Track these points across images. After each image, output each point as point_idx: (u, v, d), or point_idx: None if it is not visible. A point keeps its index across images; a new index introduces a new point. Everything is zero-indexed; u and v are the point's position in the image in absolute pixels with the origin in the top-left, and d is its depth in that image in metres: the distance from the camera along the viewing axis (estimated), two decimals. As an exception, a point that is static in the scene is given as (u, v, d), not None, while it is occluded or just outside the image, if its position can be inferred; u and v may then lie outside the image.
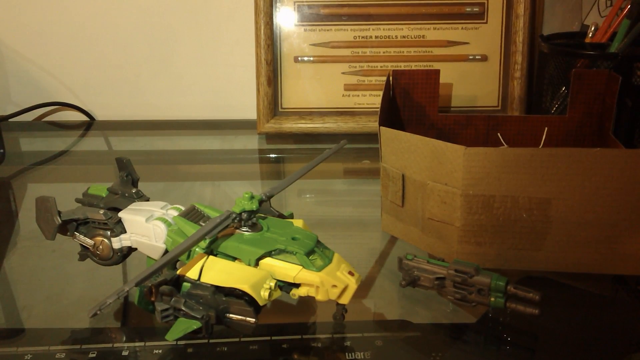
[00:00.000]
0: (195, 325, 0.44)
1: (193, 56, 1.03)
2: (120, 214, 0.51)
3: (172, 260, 0.44)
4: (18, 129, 1.00)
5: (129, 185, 0.55)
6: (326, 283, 0.44)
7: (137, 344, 0.48)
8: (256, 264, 0.46)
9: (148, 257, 0.52)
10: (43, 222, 0.53)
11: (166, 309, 0.45)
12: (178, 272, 0.46)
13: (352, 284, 0.45)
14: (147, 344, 0.47)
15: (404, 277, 0.52)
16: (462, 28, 0.93)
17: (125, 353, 0.46)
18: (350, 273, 0.46)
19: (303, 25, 0.94)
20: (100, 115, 1.06)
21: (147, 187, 0.57)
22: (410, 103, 0.75)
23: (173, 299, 0.45)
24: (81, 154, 0.94)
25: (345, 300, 0.45)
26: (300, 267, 0.45)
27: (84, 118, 1.05)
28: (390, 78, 0.73)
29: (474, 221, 0.55)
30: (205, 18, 1.01)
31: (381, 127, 0.60)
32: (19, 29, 1.02)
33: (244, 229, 0.48)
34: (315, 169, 0.57)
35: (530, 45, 0.93)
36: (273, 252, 0.46)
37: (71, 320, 0.52)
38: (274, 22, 0.93)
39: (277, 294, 0.45)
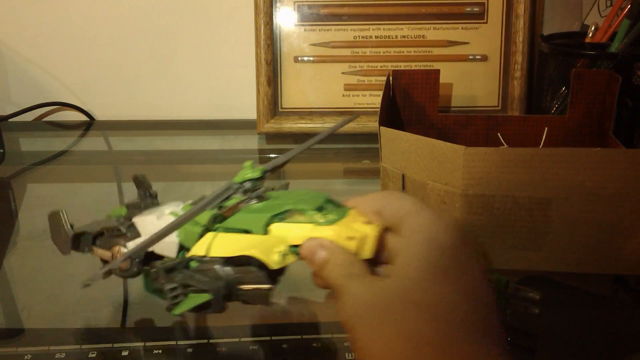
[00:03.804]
0: (205, 297, 0.41)
1: (193, 56, 1.03)
2: (133, 218, 0.50)
3: (170, 229, 0.43)
4: (18, 129, 1.00)
5: (149, 199, 0.53)
6: (341, 236, 0.39)
7: (137, 344, 0.48)
8: (266, 232, 0.42)
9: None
10: (57, 238, 0.52)
11: (174, 288, 0.43)
12: (189, 254, 0.44)
13: (372, 232, 0.38)
14: (147, 344, 0.47)
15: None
16: (462, 28, 0.93)
17: (125, 353, 0.46)
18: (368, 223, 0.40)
19: (303, 25, 0.94)
20: (100, 115, 1.06)
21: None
22: (410, 103, 0.75)
23: (180, 275, 0.42)
24: (81, 154, 0.94)
25: (367, 253, 0.39)
26: (312, 225, 0.40)
27: (84, 118, 1.05)
28: (390, 78, 0.73)
29: (474, 221, 0.55)
30: (205, 18, 1.01)
31: (381, 127, 0.60)
32: (19, 29, 1.02)
33: (253, 202, 0.44)
34: (315, 169, 0.57)
35: (530, 45, 0.93)
36: (282, 216, 0.42)
37: (71, 320, 0.52)
38: (274, 22, 0.93)
39: (291, 258, 0.41)
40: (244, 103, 1.03)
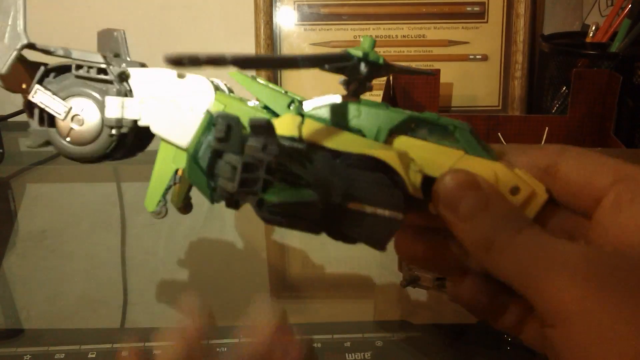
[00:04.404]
0: (305, 195, 0.25)
1: (193, 56, 1.03)
2: (128, 68, 0.32)
3: (280, 62, 0.29)
4: (17, 129, 1.00)
5: (127, 62, 0.33)
6: (504, 180, 0.26)
7: (136, 344, 0.47)
8: (387, 142, 0.28)
9: (163, 142, 0.32)
10: None
11: (252, 167, 0.25)
12: None
13: (542, 192, 0.26)
14: (147, 344, 0.47)
15: (404, 277, 0.52)
16: (462, 28, 0.93)
17: (125, 353, 0.46)
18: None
19: (303, 24, 0.94)
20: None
21: (146, 187, 0.56)
22: (410, 103, 0.75)
23: (268, 148, 0.25)
24: (81, 154, 0.94)
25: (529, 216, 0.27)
26: (462, 152, 0.27)
27: (84, 118, 1.05)
28: (391, 78, 0.73)
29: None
30: (205, 17, 1.01)
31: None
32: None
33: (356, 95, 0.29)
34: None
35: (531, 44, 0.92)
36: (413, 128, 0.28)
37: (70, 320, 0.51)
38: (274, 22, 0.93)
39: (419, 193, 0.26)
40: (244, 103, 1.03)
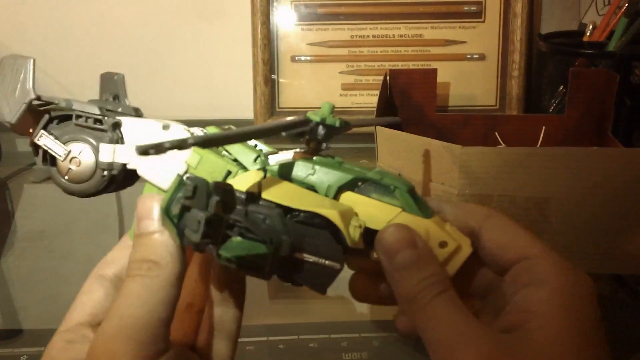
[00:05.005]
0: (259, 249, 0.29)
1: (190, 56, 1.03)
2: (121, 118, 0.36)
3: (252, 134, 0.30)
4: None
5: (128, 108, 0.38)
6: (433, 236, 0.30)
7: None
8: (335, 197, 0.31)
9: (147, 183, 0.36)
10: (3, 92, 0.36)
11: (213, 222, 0.28)
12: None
13: (466, 246, 0.30)
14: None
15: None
16: (459, 27, 0.93)
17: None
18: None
19: (300, 24, 0.94)
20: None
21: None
22: (407, 102, 0.75)
23: (228, 207, 0.29)
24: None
25: (453, 269, 0.30)
26: (400, 209, 0.31)
27: (82, 118, 1.05)
28: (388, 77, 0.73)
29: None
30: (202, 18, 1.01)
31: (378, 127, 0.60)
32: (19, 29, 1.02)
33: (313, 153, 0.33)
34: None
35: (528, 44, 0.92)
36: (360, 185, 0.31)
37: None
38: (271, 22, 0.93)
39: (361, 244, 0.30)
40: (241, 103, 1.02)
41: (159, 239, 0.30)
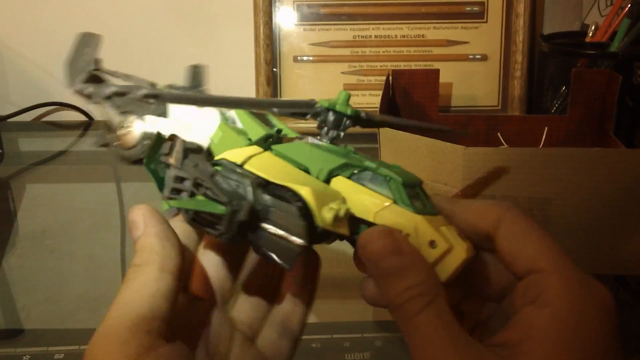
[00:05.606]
0: (216, 208, 0.29)
1: (192, 56, 1.03)
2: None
3: (229, 102, 0.32)
4: (17, 129, 1.00)
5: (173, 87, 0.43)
6: (423, 234, 0.28)
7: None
8: (326, 181, 0.32)
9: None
10: (73, 62, 0.42)
11: (182, 178, 0.32)
12: (217, 157, 0.32)
13: (461, 250, 0.28)
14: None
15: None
16: (462, 27, 0.93)
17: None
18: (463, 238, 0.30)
19: (302, 24, 0.94)
20: (99, 115, 1.06)
21: (147, 187, 0.56)
22: (410, 103, 0.75)
23: (198, 168, 0.32)
24: (80, 154, 0.94)
25: (445, 273, 0.28)
26: (391, 200, 0.30)
27: (83, 118, 1.05)
28: (390, 78, 0.73)
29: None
30: (204, 18, 1.01)
31: (380, 127, 0.60)
32: (19, 29, 1.02)
33: (324, 140, 0.33)
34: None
35: (531, 44, 0.92)
36: (356, 173, 0.31)
37: (70, 320, 0.51)
38: (274, 22, 0.93)
39: (343, 229, 0.30)
40: (243, 103, 1.03)
41: (141, 242, 0.30)
